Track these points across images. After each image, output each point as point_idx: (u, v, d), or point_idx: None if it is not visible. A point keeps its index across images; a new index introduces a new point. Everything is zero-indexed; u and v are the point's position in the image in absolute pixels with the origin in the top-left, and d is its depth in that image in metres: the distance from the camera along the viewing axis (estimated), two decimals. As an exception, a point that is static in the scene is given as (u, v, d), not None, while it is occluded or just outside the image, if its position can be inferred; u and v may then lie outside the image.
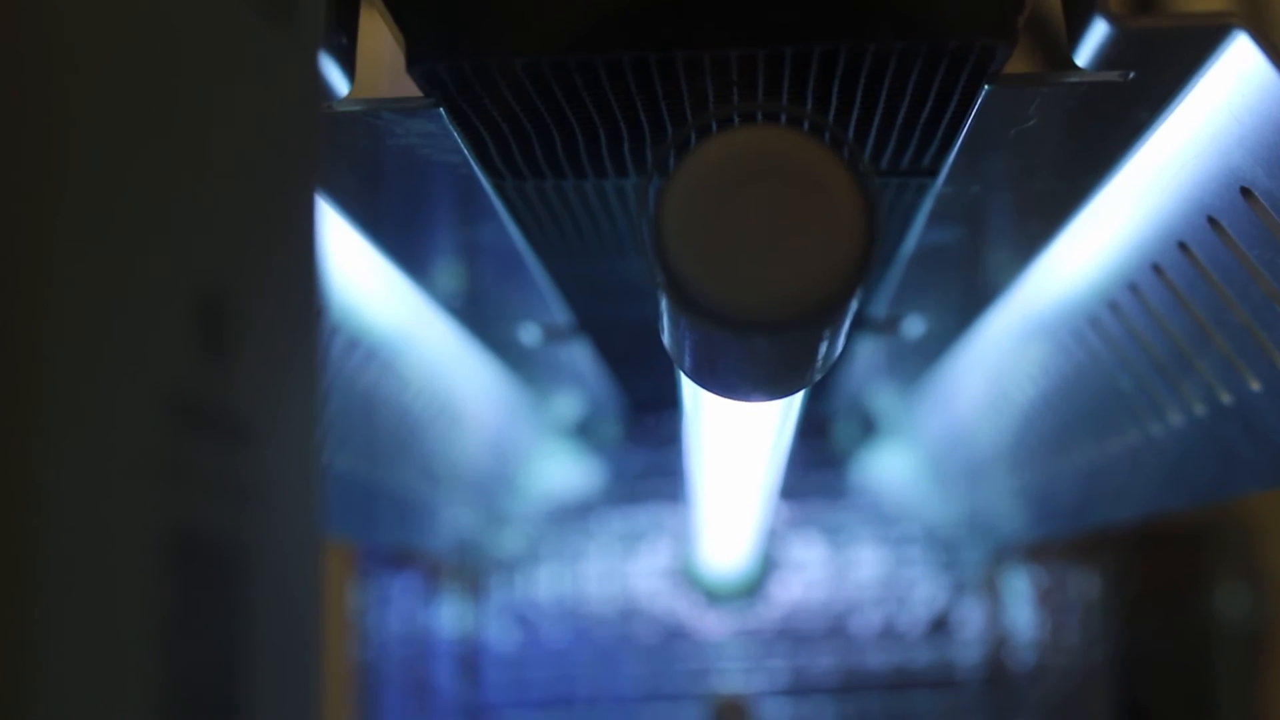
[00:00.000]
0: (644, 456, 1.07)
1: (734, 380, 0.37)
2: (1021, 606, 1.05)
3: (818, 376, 0.39)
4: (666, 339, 0.38)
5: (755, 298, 0.32)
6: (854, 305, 0.34)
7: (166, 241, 0.24)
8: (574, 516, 1.06)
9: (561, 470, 1.07)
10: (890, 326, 0.68)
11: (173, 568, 0.23)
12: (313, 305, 0.28)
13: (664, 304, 0.36)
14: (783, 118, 0.39)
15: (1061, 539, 1.01)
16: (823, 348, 0.35)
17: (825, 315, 0.33)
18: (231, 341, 0.25)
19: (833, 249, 0.33)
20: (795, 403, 0.49)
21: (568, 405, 1.00)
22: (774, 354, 0.34)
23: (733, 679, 1.05)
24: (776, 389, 0.39)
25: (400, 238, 0.54)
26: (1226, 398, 0.51)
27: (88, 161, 0.21)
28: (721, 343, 0.34)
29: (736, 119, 0.39)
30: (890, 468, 1.07)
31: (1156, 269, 0.50)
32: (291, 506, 0.27)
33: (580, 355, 0.77)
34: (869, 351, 0.79)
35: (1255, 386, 0.49)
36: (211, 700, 0.24)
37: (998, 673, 1.04)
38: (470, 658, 1.05)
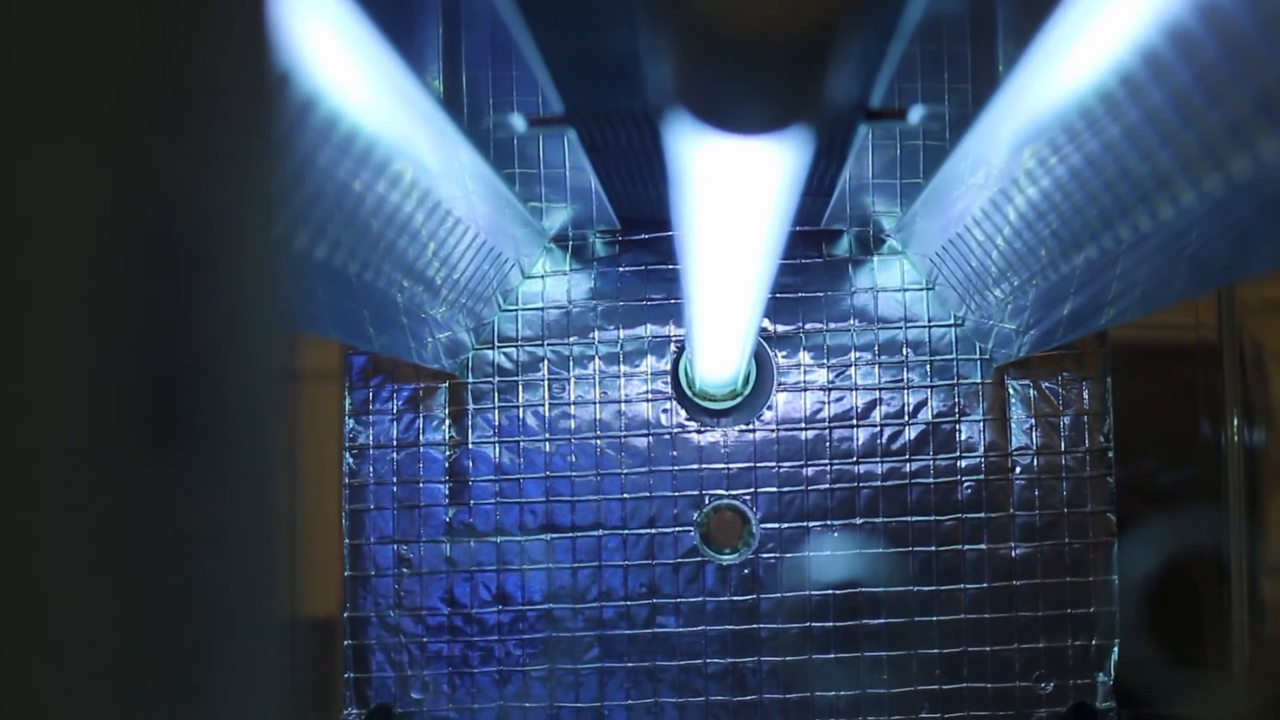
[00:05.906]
0: (635, 271, 1.05)
1: (731, 104, 0.35)
2: (1018, 420, 1.04)
3: (813, 117, 0.37)
4: (660, 79, 0.37)
5: (754, 7, 0.30)
6: (850, 28, 0.32)
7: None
8: (565, 331, 1.05)
9: (552, 285, 1.05)
10: (895, 115, 0.66)
11: (130, 264, 0.22)
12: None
13: (659, 37, 0.34)
14: None
15: (1061, 349, 1.00)
16: (820, 72, 0.33)
17: (821, 26, 0.31)
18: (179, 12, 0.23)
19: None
20: (788, 169, 0.46)
21: (557, 217, 0.98)
22: (770, 70, 0.32)
23: (727, 491, 1.04)
24: (771, 118, 0.37)
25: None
26: (1242, 171, 0.49)
27: None
28: (720, 62, 0.32)
29: None
30: (889, 281, 1.05)
31: (1173, 33, 0.47)
32: (252, 211, 0.25)
33: (569, 157, 0.75)
34: (872, 156, 0.76)
35: (1272, 157, 0.47)
36: (176, 404, 0.22)
37: (993, 485, 1.04)
38: (459, 472, 1.04)
